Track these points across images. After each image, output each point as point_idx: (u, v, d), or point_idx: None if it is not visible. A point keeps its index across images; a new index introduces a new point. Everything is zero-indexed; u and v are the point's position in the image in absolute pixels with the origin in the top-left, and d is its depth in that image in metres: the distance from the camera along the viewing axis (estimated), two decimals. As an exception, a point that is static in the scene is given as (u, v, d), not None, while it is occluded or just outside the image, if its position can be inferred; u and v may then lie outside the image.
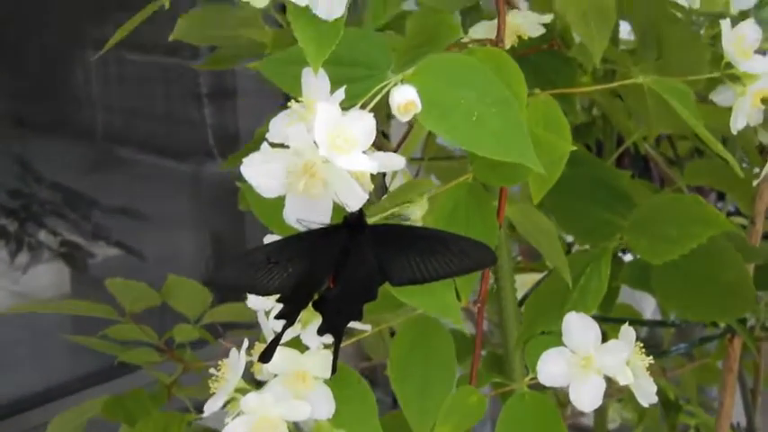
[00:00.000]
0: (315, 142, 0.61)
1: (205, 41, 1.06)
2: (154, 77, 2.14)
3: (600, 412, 1.29)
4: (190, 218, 2.22)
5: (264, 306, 0.71)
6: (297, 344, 0.72)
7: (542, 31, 0.82)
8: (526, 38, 0.82)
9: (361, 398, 0.74)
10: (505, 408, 0.75)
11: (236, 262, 0.66)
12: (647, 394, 0.74)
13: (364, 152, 0.63)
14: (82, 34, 1.99)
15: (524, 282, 0.93)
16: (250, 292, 0.69)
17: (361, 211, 0.66)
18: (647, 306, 1.49)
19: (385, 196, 0.77)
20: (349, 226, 0.66)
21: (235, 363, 0.73)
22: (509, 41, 0.80)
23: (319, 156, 0.62)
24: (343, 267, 0.67)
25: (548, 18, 0.81)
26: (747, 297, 0.82)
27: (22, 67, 1.89)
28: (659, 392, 1.26)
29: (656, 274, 0.83)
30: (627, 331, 0.72)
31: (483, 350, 0.86)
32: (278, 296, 0.68)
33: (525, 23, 0.80)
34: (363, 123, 0.63)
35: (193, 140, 2.17)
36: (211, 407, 0.73)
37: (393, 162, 0.66)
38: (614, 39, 0.90)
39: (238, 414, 0.72)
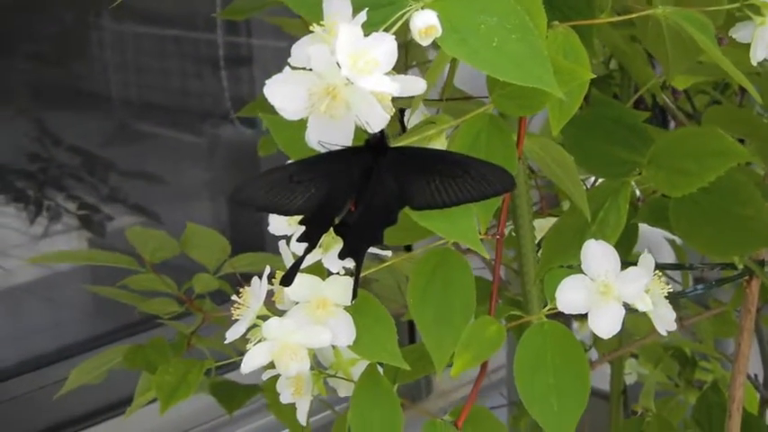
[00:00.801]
0: (337, 64, 0.62)
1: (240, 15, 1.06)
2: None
3: (617, 368, 1.29)
4: (208, 182, 2.23)
5: (286, 232, 0.72)
6: (319, 272, 0.73)
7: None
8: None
9: (381, 325, 0.74)
10: (524, 338, 0.75)
11: (258, 181, 0.66)
12: (666, 322, 0.75)
13: (386, 74, 0.63)
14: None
15: (542, 227, 0.93)
16: (271, 212, 0.69)
17: (382, 132, 0.66)
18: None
19: (403, 134, 0.78)
20: (371, 148, 0.67)
21: (257, 289, 0.74)
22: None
23: (341, 77, 0.62)
24: (364, 190, 0.67)
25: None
26: (765, 232, 0.82)
27: (40, 35, 1.90)
28: (675, 348, 1.27)
29: (674, 210, 0.84)
30: (646, 258, 0.73)
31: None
32: (300, 218, 0.68)
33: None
34: (385, 45, 0.63)
35: (211, 106, 2.18)
36: (234, 333, 0.74)
37: (415, 85, 0.66)
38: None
39: (259, 341, 0.72)
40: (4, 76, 1.86)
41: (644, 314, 0.76)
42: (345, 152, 0.66)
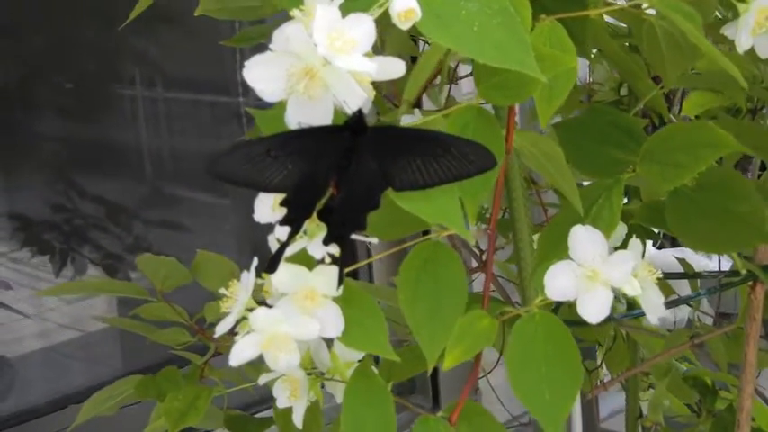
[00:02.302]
0: (314, 44, 0.62)
1: (228, 15, 1.07)
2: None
3: (631, 391, 1.27)
4: (232, 233, 2.24)
5: (270, 219, 0.72)
6: (307, 260, 0.72)
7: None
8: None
9: (371, 317, 0.74)
10: (516, 328, 0.75)
11: (234, 153, 0.66)
12: (655, 307, 0.74)
13: (364, 56, 0.64)
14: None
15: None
16: (248, 187, 0.68)
17: (360, 111, 0.67)
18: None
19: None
20: (350, 128, 0.67)
21: (245, 282, 0.74)
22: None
23: (319, 57, 0.63)
24: (345, 172, 0.68)
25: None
26: (760, 228, 0.81)
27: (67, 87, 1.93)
28: (696, 379, 1.26)
29: (669, 208, 0.83)
30: (634, 243, 0.73)
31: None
32: (281, 200, 0.68)
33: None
34: (363, 26, 0.63)
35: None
36: (223, 326, 0.74)
37: (394, 67, 0.66)
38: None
39: (248, 333, 0.72)
40: (33, 131, 1.89)
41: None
42: (325, 129, 0.66)
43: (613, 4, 0.92)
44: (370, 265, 1.58)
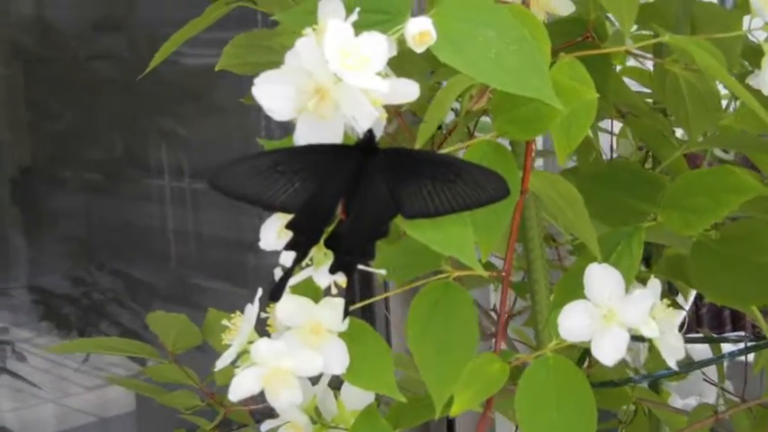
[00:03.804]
0: (326, 60, 0.61)
1: (249, 70, 1.06)
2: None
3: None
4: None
5: (276, 246, 0.70)
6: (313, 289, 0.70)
7: (572, 8, 0.81)
8: (556, 14, 0.81)
9: (377, 354, 0.71)
10: (527, 372, 0.72)
11: (240, 165, 0.64)
12: (673, 350, 0.71)
13: (377, 75, 0.62)
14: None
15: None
16: (251, 202, 0.65)
17: (371, 132, 0.65)
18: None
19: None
20: (360, 148, 0.65)
21: (248, 314, 0.72)
22: (539, 17, 0.79)
23: (330, 75, 0.61)
24: (354, 195, 0.66)
25: (575, -9, 0.80)
26: (786, 280, 0.79)
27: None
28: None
29: (692, 261, 0.81)
30: (653, 283, 0.70)
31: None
32: (287, 223, 0.66)
33: (554, -4, 0.80)
34: (377, 44, 0.62)
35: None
36: (225, 359, 0.71)
37: (407, 89, 0.65)
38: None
39: (249, 366, 0.70)
40: (58, 206, 1.89)
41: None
42: (335, 148, 0.64)
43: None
44: (386, 301, 1.55)
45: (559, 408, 0.71)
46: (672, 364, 0.72)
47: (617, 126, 1.27)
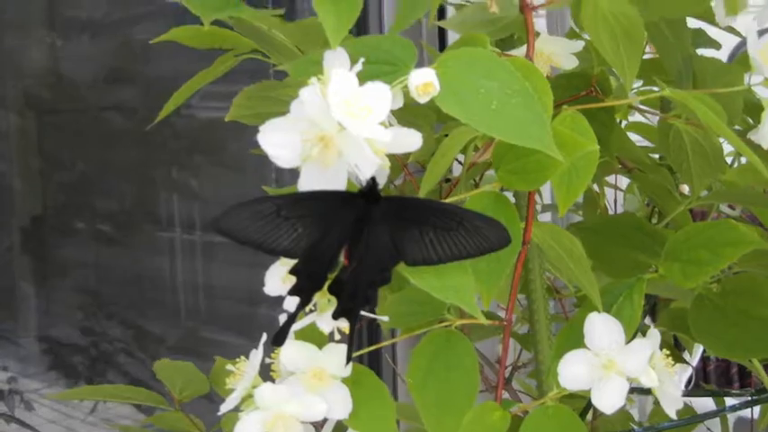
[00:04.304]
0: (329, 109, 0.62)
1: (259, 121, 1.07)
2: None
3: None
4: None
5: (281, 292, 0.70)
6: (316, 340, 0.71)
7: (576, 62, 0.83)
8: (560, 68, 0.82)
9: (378, 399, 0.72)
10: (527, 420, 0.73)
11: (243, 209, 0.65)
12: (672, 400, 0.71)
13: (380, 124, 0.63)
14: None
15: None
16: (254, 246, 0.66)
17: (374, 179, 0.66)
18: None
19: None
20: (363, 195, 0.66)
21: (253, 358, 0.72)
22: (542, 71, 0.80)
23: (333, 123, 0.62)
24: (357, 242, 0.66)
25: (579, 45, 0.81)
26: (785, 333, 0.79)
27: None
28: None
29: (693, 313, 0.82)
30: (653, 333, 0.71)
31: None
32: (291, 269, 0.67)
33: (557, 52, 0.81)
34: (380, 94, 0.63)
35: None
36: (228, 404, 0.72)
37: (409, 139, 0.66)
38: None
39: (253, 410, 0.71)
40: (68, 255, 1.90)
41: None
42: (338, 195, 0.65)
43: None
44: (393, 351, 1.56)
45: (560, 458, 0.72)
46: (671, 413, 0.72)
47: (623, 181, 1.28)
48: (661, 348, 0.73)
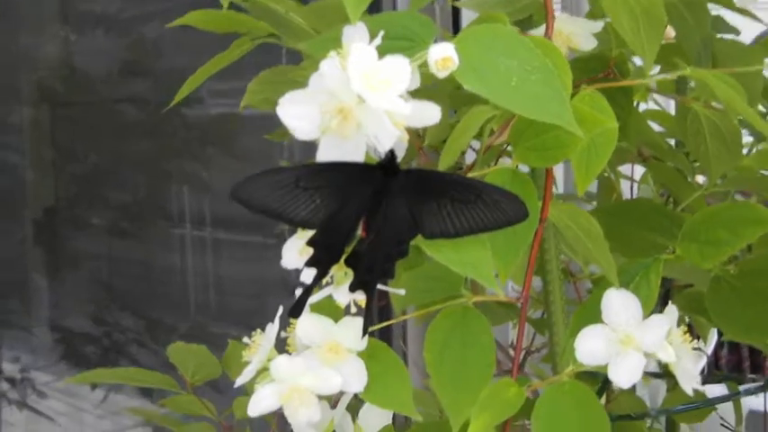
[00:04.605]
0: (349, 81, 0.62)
1: (272, 107, 1.07)
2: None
3: None
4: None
5: (298, 265, 0.70)
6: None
7: (595, 43, 0.82)
8: (578, 51, 0.82)
9: (394, 373, 0.72)
10: (543, 396, 0.73)
11: (262, 179, 0.65)
12: (689, 376, 0.71)
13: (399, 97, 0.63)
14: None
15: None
16: (272, 216, 0.66)
17: (392, 152, 0.66)
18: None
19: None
20: (382, 167, 0.66)
21: (269, 332, 0.72)
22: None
23: (353, 95, 0.62)
24: (375, 214, 0.66)
25: (599, 26, 0.81)
26: (804, 314, 0.79)
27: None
28: None
29: (710, 296, 0.81)
30: (670, 309, 0.71)
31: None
32: (308, 240, 0.67)
33: (576, 32, 0.81)
34: (399, 67, 0.63)
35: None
36: (245, 375, 0.72)
37: (429, 112, 0.66)
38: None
39: (269, 382, 0.71)
40: (80, 247, 1.90)
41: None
42: (357, 166, 0.65)
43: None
44: (404, 335, 1.56)
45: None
46: (687, 389, 0.72)
47: (637, 174, 1.28)
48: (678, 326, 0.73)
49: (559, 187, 1.28)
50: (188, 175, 2.04)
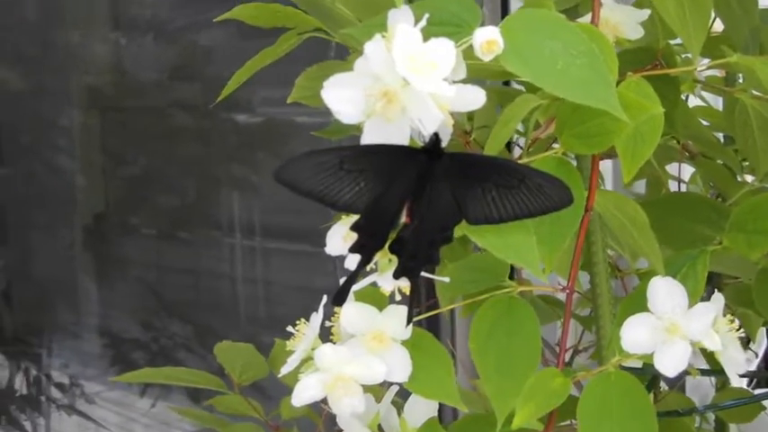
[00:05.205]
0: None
1: (321, 102, 1.07)
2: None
3: None
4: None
5: (343, 251, 0.70)
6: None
7: (641, 32, 0.82)
8: (625, 40, 0.82)
9: (439, 364, 0.72)
10: (589, 385, 0.72)
11: (305, 160, 0.65)
12: (736, 364, 0.71)
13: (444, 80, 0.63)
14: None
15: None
16: (316, 199, 0.66)
17: (437, 135, 0.66)
18: None
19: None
20: (426, 151, 0.66)
21: (313, 321, 0.72)
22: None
23: (397, 78, 0.62)
24: (419, 198, 0.66)
25: (645, 14, 0.81)
26: None
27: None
28: None
29: (756, 287, 0.81)
30: (716, 297, 0.70)
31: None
32: (352, 225, 0.67)
33: (623, 21, 0.81)
34: (444, 50, 0.63)
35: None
36: (290, 364, 0.72)
37: (474, 96, 0.66)
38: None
39: (313, 371, 0.71)
40: (128, 251, 1.91)
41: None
42: (401, 150, 0.64)
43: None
44: (453, 335, 1.56)
45: (621, 422, 0.71)
46: (733, 378, 0.71)
47: (687, 173, 1.27)
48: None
49: (608, 185, 1.27)
50: (238, 180, 2.04)
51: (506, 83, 1.09)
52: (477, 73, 0.70)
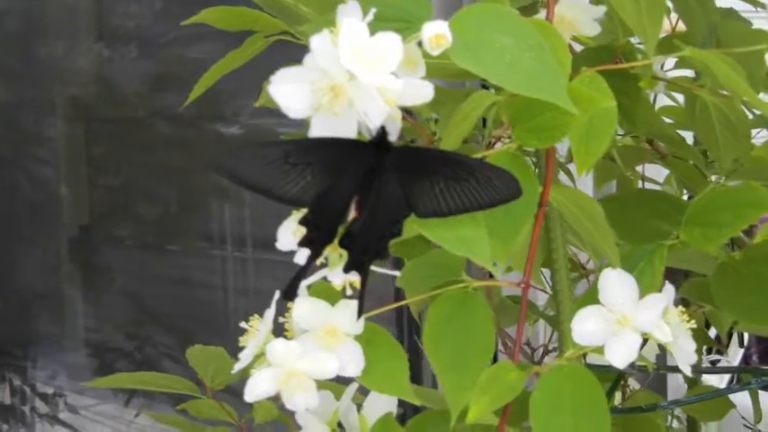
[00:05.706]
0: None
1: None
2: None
3: None
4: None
5: (293, 247, 0.70)
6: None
7: (598, 29, 0.82)
8: (587, 38, 0.82)
9: (393, 358, 0.72)
10: (542, 379, 0.72)
11: (249, 153, 0.65)
12: (686, 355, 0.71)
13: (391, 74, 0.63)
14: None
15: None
16: (260, 192, 0.66)
17: (384, 128, 0.66)
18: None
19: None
20: (374, 144, 0.66)
21: (266, 316, 0.72)
22: (564, 37, 0.80)
23: (343, 72, 0.63)
24: (368, 192, 0.66)
25: (601, 10, 0.81)
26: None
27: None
28: None
29: (715, 282, 0.81)
30: (667, 288, 0.70)
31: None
32: (300, 219, 0.67)
33: (579, 18, 0.81)
34: (390, 43, 0.63)
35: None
36: (242, 360, 0.72)
37: (421, 90, 0.66)
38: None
39: (266, 366, 0.71)
40: (111, 259, 1.92)
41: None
42: (348, 143, 0.64)
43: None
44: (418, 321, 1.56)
45: (573, 415, 0.71)
46: (685, 369, 0.71)
47: (662, 175, 1.27)
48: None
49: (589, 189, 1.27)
50: (223, 190, 2.04)
51: (484, 86, 1.10)
52: (436, 72, 0.70)
